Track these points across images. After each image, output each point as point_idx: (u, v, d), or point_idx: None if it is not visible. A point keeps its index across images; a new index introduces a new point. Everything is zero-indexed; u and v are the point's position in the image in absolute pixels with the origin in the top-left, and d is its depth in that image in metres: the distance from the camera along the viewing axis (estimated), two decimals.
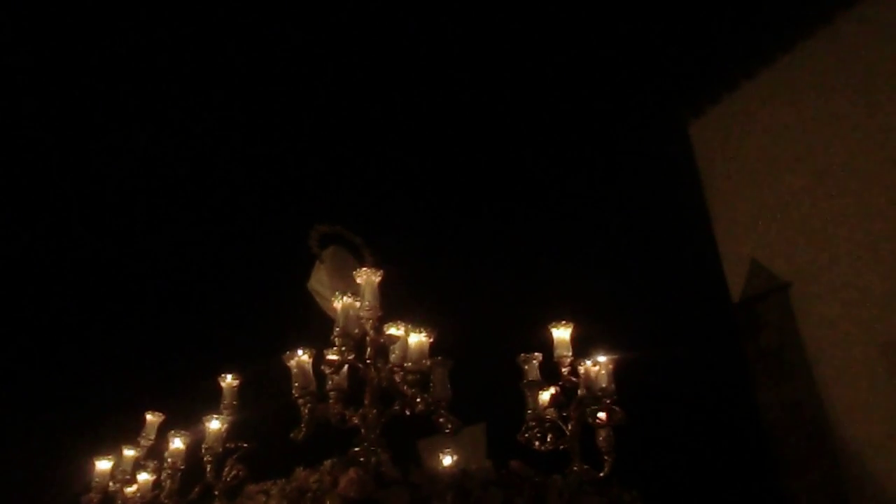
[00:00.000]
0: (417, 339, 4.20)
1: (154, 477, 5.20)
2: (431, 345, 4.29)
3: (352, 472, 3.76)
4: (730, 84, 11.99)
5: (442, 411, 4.21)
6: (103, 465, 5.31)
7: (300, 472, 4.00)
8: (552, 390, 5.00)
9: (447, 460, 5.31)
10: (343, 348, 4.11)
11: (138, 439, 5.43)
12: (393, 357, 4.40)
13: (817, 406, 10.64)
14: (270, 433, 4.87)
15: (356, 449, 4.08)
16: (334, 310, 4.69)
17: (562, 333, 5.06)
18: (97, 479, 5.26)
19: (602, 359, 5.04)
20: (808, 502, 10.43)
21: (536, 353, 4.96)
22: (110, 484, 5.28)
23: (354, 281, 5.13)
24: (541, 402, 4.80)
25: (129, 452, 5.41)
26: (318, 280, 5.55)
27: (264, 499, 4.05)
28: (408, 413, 4.30)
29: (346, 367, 4.31)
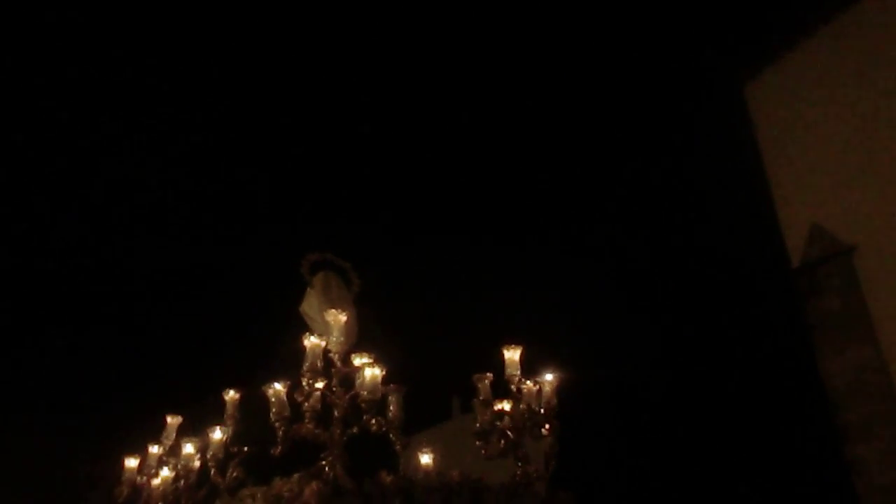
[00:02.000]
0: (371, 372, 6.13)
1: (175, 473, 7.40)
2: (384, 376, 6.25)
3: (313, 485, 5.76)
4: (787, 43, 12.94)
5: (393, 431, 6.21)
6: (131, 462, 7.51)
7: (277, 482, 6.04)
8: (506, 405, 6.89)
9: (425, 459, 7.37)
10: (310, 381, 6.12)
11: (161, 439, 7.64)
12: (358, 383, 6.38)
13: (883, 371, 12.04)
14: (269, 441, 6.95)
15: (322, 463, 6.12)
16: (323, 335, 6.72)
17: (512, 354, 6.91)
18: (126, 474, 7.47)
19: (549, 377, 6.90)
20: (877, 468, 11.97)
21: (488, 374, 6.87)
22: (138, 478, 7.51)
23: (341, 303, 7.19)
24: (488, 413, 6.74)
25: (153, 450, 7.62)
26: (309, 304, 7.52)
27: (251, 501, 6.14)
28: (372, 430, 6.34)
29: (318, 393, 6.33)
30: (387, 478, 5.94)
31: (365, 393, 6.07)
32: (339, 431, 6.12)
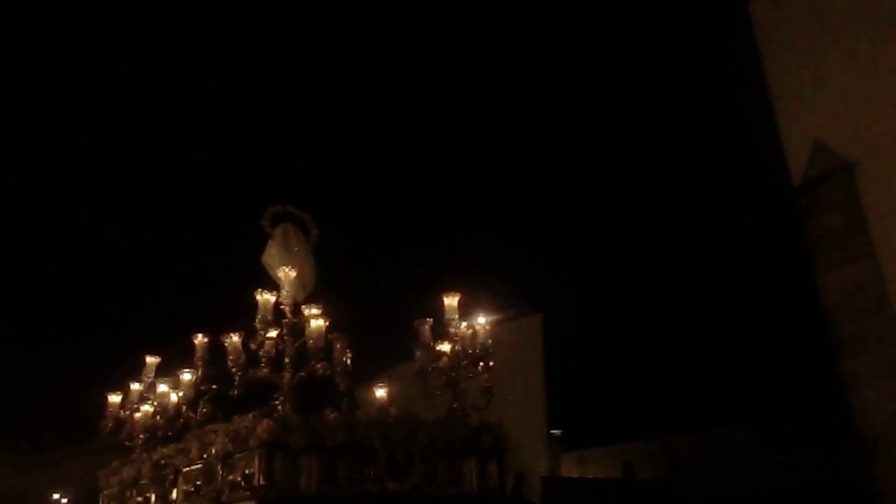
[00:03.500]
0: (316, 323, 8.08)
1: (153, 408, 9.53)
2: (328, 327, 8.23)
3: (265, 422, 7.79)
4: None
5: (337, 374, 8.23)
6: (114, 398, 9.63)
7: (236, 419, 8.08)
8: (445, 347, 8.86)
9: (380, 392, 9.44)
10: (262, 332, 8.14)
11: (141, 377, 9.75)
12: (307, 332, 8.37)
13: (881, 287, 13.70)
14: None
15: (276, 403, 8.17)
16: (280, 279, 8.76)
17: (451, 301, 8.83)
18: (110, 409, 9.53)
19: (481, 320, 8.83)
20: (869, 383, 13.69)
21: (428, 319, 8.85)
22: (121, 412, 9.65)
23: (300, 253, 9.24)
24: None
25: (135, 387, 9.74)
26: (270, 255, 9.47)
27: (214, 436, 8.22)
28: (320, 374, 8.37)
29: (271, 341, 8.33)
30: (330, 415, 7.99)
31: (311, 341, 8.11)
32: (288, 375, 8.15)
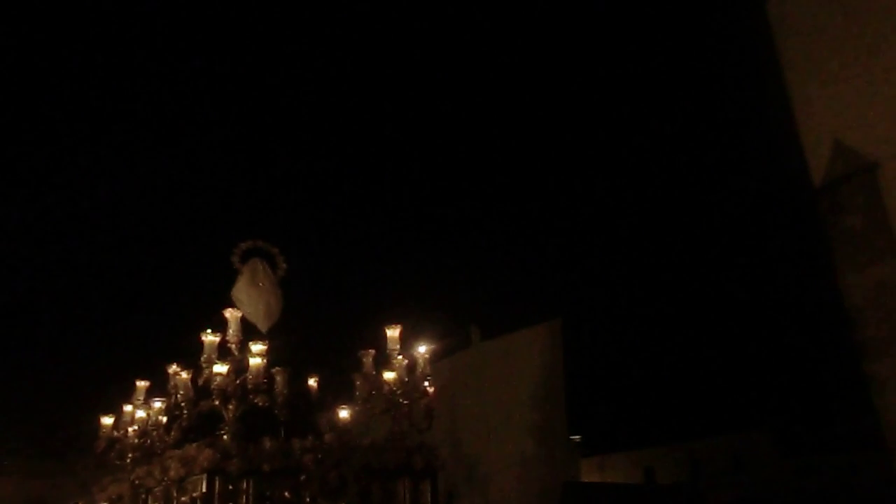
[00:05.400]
0: (255, 361, 9.07)
1: (137, 429, 10.65)
2: (267, 363, 9.19)
3: (207, 451, 8.83)
4: None
5: (276, 406, 9.20)
6: (107, 420, 10.79)
7: (188, 447, 9.15)
8: (390, 374, 9.73)
9: (343, 413, 10.38)
10: (206, 369, 9.13)
11: (132, 400, 10.87)
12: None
13: None
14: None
15: (220, 433, 9.18)
16: (250, 314, 9.80)
17: (393, 332, 9.71)
18: (103, 431, 10.74)
19: (421, 349, 9.69)
20: (894, 384, 13.86)
21: (371, 350, 9.77)
22: (114, 433, 10.81)
23: (266, 286, 10.23)
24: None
25: (127, 408, 10.89)
26: (238, 289, 10.44)
27: (170, 462, 9.29)
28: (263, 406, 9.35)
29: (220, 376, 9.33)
30: (268, 443, 8.97)
31: (251, 377, 9.08)
32: (231, 408, 9.17)
